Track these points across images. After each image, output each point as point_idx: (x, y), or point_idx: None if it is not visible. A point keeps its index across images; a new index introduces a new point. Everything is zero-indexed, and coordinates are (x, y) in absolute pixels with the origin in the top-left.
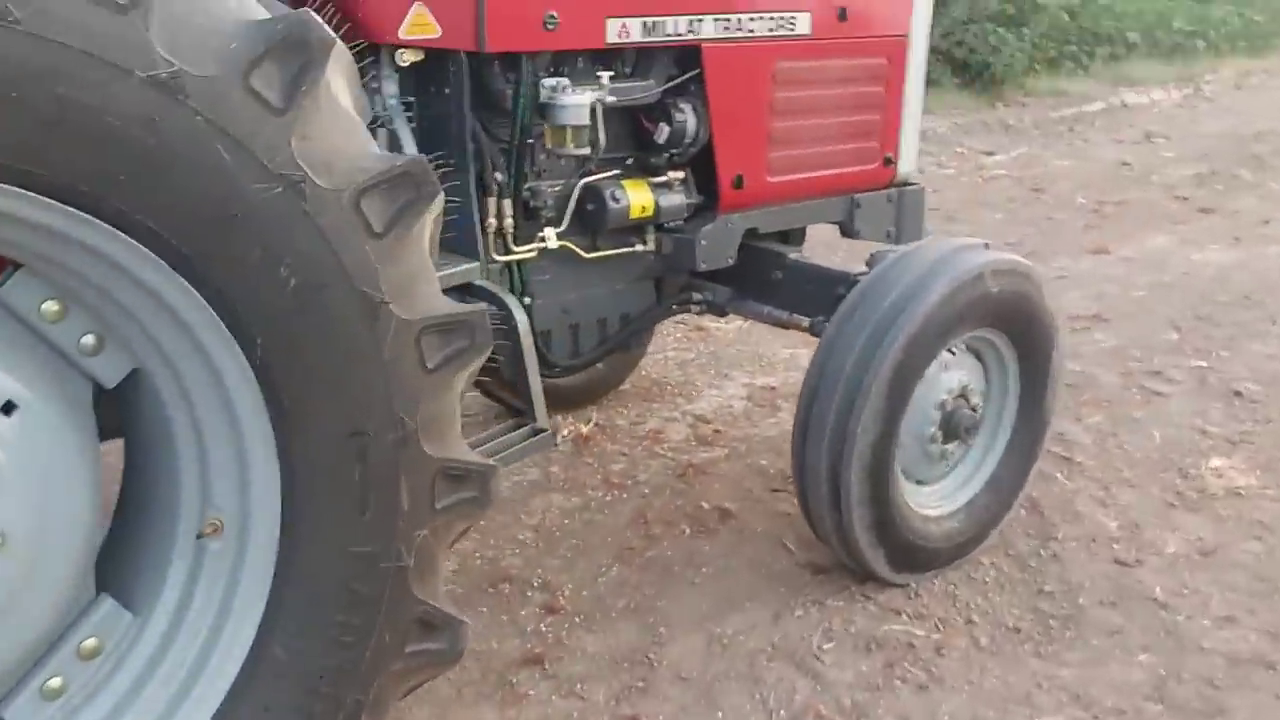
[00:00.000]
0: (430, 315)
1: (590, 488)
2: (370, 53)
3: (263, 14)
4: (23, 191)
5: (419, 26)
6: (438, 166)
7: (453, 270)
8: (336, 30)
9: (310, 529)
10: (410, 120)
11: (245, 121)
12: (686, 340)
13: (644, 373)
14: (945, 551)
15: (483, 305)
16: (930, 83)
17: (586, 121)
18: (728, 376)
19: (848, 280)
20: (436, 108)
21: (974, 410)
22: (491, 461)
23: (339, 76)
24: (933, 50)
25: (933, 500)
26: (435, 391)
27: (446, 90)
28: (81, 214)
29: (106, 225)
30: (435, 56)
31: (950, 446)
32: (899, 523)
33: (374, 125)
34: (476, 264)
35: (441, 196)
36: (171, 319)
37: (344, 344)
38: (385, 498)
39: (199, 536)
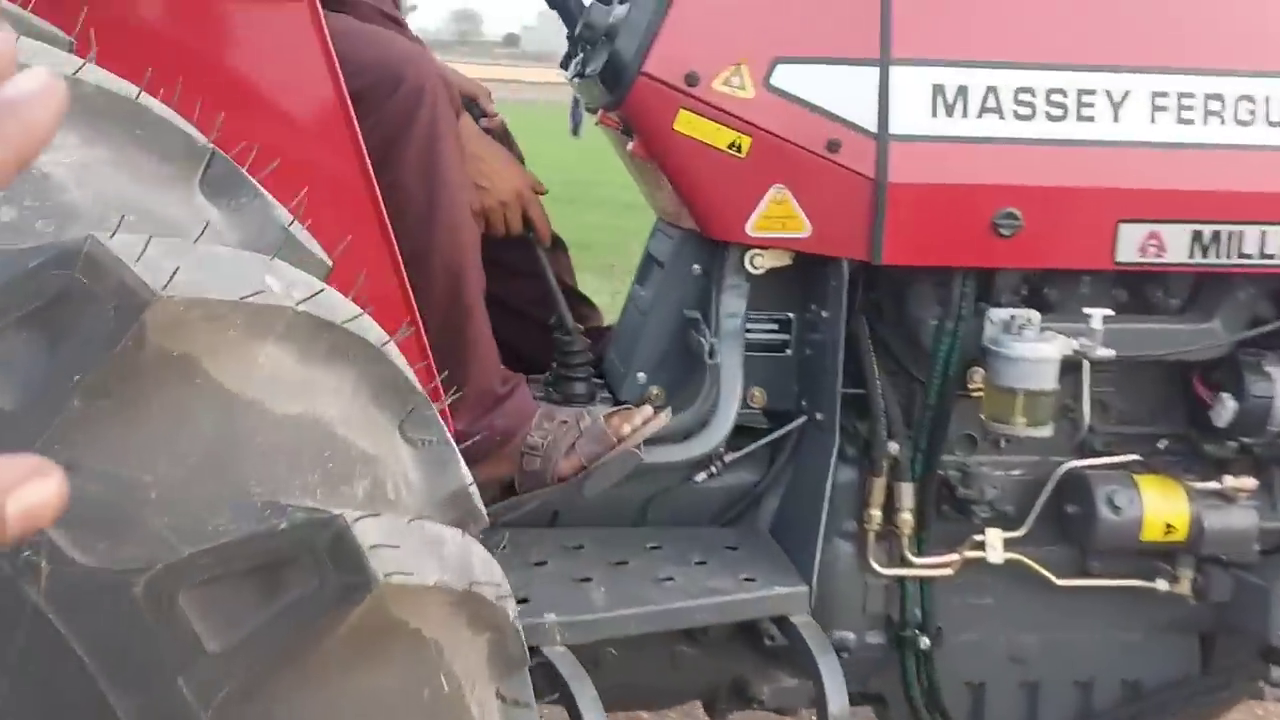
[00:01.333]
0: None
1: None
2: (717, 252)
3: (45, 237)
4: None
5: (778, 220)
6: (806, 421)
7: (759, 594)
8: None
9: None
10: (772, 349)
11: None
12: None
13: None
14: None
15: None
16: None
17: (1050, 385)
18: None
19: None
20: (805, 333)
21: None
22: None
23: (267, 345)
24: None
25: None
26: None
27: (824, 313)
28: None
29: None
30: (807, 263)
31: None
32: None
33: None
34: (802, 590)
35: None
36: None
37: None
38: None
39: None
